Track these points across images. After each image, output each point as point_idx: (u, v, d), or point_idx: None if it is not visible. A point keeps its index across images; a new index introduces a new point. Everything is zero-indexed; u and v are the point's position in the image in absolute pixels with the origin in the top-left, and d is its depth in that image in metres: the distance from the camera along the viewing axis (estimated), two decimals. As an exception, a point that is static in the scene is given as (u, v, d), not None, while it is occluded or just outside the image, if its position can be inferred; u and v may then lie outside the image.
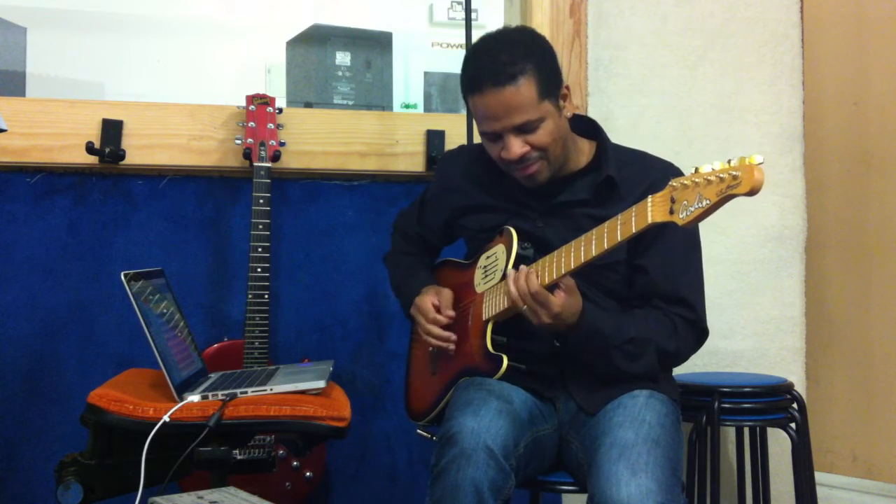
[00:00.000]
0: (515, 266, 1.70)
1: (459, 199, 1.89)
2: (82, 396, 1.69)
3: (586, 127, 1.83)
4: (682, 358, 1.75)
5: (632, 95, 2.52)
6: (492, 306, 1.73)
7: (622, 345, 1.65)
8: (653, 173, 1.72)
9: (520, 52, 1.66)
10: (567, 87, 1.73)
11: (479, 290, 1.80)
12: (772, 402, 2.12)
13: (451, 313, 1.82)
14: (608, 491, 1.43)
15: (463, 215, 1.90)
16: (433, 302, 1.82)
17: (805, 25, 2.60)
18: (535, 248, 1.72)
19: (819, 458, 2.57)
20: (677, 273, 1.72)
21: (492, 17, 3.30)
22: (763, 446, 2.29)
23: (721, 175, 1.28)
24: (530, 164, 1.69)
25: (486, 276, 1.78)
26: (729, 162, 1.29)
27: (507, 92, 1.63)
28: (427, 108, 3.39)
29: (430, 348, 1.90)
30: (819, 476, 2.39)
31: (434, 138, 2.48)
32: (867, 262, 2.73)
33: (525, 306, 1.59)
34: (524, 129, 1.66)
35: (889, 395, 2.67)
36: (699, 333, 1.74)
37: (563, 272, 1.57)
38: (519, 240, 1.72)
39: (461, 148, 2.09)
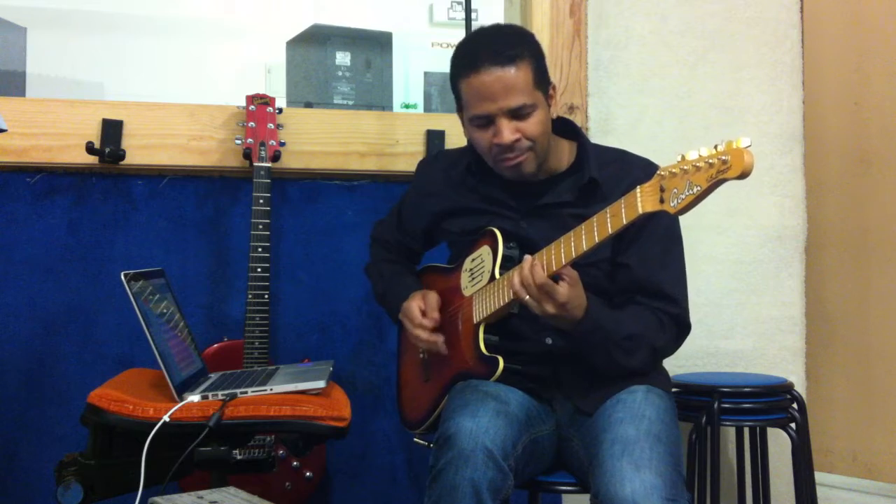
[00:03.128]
0: (503, 266, 1.70)
1: (439, 204, 1.89)
2: (82, 396, 1.69)
3: (565, 129, 1.83)
4: (668, 353, 1.75)
5: (632, 95, 2.52)
6: (482, 308, 1.72)
7: (621, 341, 1.65)
8: (634, 171, 1.73)
9: (517, 40, 1.70)
10: (553, 88, 1.75)
11: (466, 293, 1.79)
12: (772, 402, 2.12)
13: (437, 315, 1.80)
14: (612, 487, 1.43)
15: (444, 219, 1.90)
16: (419, 306, 1.82)
17: (805, 25, 2.60)
18: (520, 248, 1.72)
19: (819, 458, 2.57)
20: (659, 268, 1.72)
21: (492, 18, 3.30)
22: (763, 446, 2.29)
23: (710, 160, 1.28)
24: (519, 154, 1.69)
25: (473, 278, 1.78)
26: (716, 147, 1.29)
27: (507, 72, 1.64)
28: (427, 108, 3.39)
29: (422, 355, 1.90)
30: (819, 476, 2.39)
31: (434, 138, 2.48)
32: (867, 262, 2.73)
33: (528, 297, 1.57)
34: (517, 114, 1.66)
35: (889, 395, 2.67)
36: (682, 328, 1.74)
37: (553, 269, 1.57)
38: (504, 240, 1.72)
39: (439, 153, 2.09)
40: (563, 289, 1.55)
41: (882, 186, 2.70)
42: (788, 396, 2.16)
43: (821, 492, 2.35)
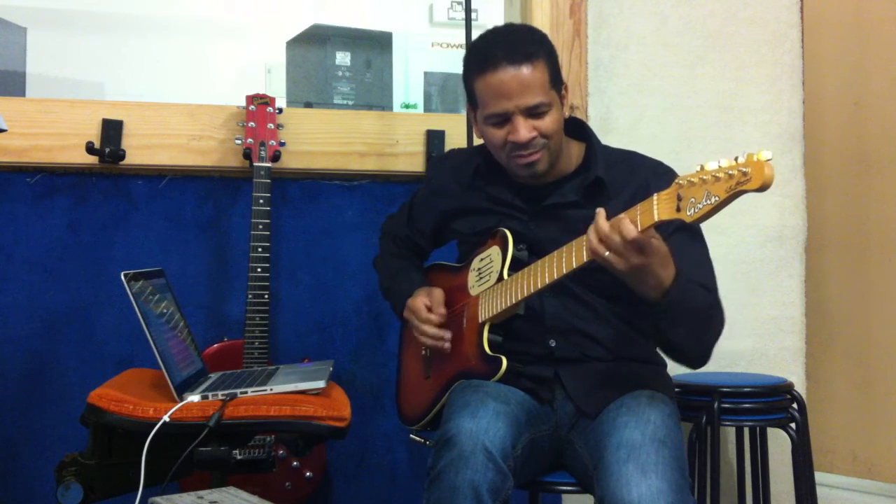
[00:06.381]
0: (511, 268, 1.70)
1: (449, 203, 1.89)
2: (82, 396, 1.69)
3: (575, 129, 1.83)
4: (715, 338, 1.66)
5: (632, 95, 2.52)
6: (488, 308, 1.72)
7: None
8: (641, 172, 1.72)
9: (533, 39, 1.69)
10: (566, 88, 1.75)
11: (473, 292, 1.79)
12: (772, 402, 2.12)
13: (443, 311, 1.81)
14: (618, 492, 1.43)
15: (453, 219, 1.90)
16: (424, 302, 1.82)
17: (805, 25, 2.60)
18: (528, 250, 1.72)
19: (819, 458, 2.57)
20: (692, 263, 1.65)
21: (492, 18, 3.30)
22: (763, 446, 2.29)
23: (730, 171, 1.28)
24: (534, 151, 1.68)
25: (481, 278, 1.78)
26: (736, 159, 1.29)
27: (524, 70, 1.64)
28: (427, 108, 3.40)
29: (424, 351, 1.90)
30: (819, 476, 2.39)
31: (434, 138, 2.48)
32: (867, 262, 2.73)
33: (609, 253, 1.45)
34: (534, 113, 1.66)
35: (889, 395, 2.67)
36: (723, 316, 1.67)
37: (563, 272, 1.56)
38: (514, 241, 1.72)
39: (451, 152, 2.09)
40: (657, 241, 1.46)
41: (882, 186, 2.70)
42: (788, 396, 2.16)
43: (821, 492, 2.35)
